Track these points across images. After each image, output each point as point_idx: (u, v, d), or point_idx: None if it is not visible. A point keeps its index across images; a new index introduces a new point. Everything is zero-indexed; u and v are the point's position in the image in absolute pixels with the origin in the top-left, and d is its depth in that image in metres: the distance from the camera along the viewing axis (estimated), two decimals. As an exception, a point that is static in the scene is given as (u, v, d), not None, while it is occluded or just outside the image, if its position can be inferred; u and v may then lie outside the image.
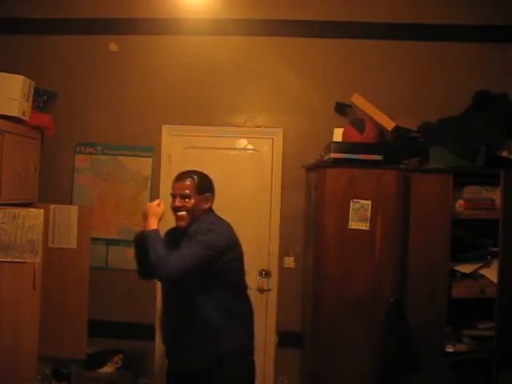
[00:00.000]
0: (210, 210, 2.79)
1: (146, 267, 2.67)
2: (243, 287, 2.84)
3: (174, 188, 2.75)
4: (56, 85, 3.92)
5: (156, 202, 2.71)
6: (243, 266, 2.82)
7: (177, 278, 2.56)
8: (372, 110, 3.54)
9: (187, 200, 2.69)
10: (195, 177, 2.74)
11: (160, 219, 2.67)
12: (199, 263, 2.55)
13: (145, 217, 2.67)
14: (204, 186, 2.76)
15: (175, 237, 2.74)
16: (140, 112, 3.97)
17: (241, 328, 2.75)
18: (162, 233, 2.72)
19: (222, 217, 2.82)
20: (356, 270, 3.23)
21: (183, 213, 2.69)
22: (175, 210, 2.71)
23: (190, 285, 2.62)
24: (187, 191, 2.70)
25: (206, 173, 2.83)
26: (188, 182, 2.72)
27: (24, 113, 3.21)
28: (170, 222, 2.85)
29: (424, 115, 3.58)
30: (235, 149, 3.98)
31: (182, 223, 2.70)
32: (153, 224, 2.62)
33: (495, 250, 3.29)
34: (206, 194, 2.75)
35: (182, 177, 2.75)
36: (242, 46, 3.93)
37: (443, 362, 3.20)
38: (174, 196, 2.73)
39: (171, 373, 2.85)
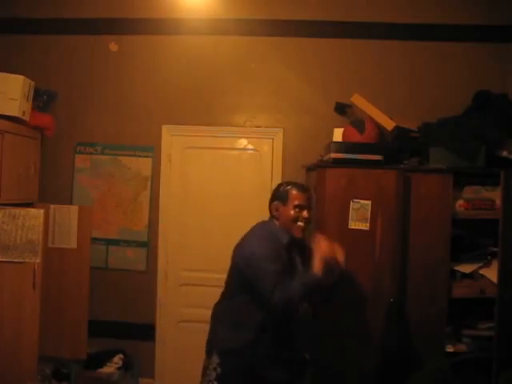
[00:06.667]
0: None
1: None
2: None
3: (302, 199, 2.67)
4: (56, 85, 3.92)
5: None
6: None
7: None
8: (372, 110, 3.54)
9: (310, 212, 2.70)
10: None
11: None
12: None
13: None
14: None
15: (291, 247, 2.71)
16: (140, 112, 3.98)
17: None
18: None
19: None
20: (356, 270, 3.23)
21: (304, 224, 2.67)
22: (299, 220, 2.66)
23: None
24: (312, 204, 2.73)
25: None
26: (311, 194, 2.74)
27: (24, 113, 3.21)
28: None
29: (424, 115, 3.58)
30: (235, 149, 3.98)
31: (301, 234, 2.70)
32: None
33: (495, 250, 3.29)
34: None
35: (305, 188, 2.74)
36: (242, 46, 3.93)
37: (443, 361, 3.20)
38: (301, 206, 2.66)
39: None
